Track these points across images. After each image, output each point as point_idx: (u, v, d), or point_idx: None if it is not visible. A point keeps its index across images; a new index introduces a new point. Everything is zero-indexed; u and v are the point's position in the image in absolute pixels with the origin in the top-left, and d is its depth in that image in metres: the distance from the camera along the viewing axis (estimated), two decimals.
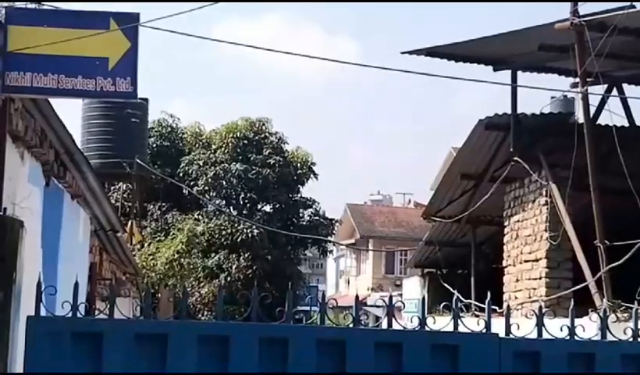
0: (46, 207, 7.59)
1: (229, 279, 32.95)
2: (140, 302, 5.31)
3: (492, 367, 5.13)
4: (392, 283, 44.49)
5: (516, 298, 15.09)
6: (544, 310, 5.52)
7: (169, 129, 36.86)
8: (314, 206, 38.38)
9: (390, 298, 5.38)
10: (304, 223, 37.63)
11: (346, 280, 58.16)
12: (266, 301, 5.18)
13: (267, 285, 28.84)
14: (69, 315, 4.84)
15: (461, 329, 5.23)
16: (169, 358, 4.84)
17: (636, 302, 5.60)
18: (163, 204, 32.20)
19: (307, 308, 33.06)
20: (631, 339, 5.38)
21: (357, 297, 5.57)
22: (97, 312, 5.10)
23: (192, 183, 34.48)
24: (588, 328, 5.47)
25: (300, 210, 38.07)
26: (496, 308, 5.87)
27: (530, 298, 14.37)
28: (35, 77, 5.66)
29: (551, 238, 13.89)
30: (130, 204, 27.11)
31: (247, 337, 4.94)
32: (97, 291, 11.61)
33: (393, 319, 5.25)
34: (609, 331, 5.45)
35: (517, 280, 15.29)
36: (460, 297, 16.13)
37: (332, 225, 39.79)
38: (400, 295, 22.76)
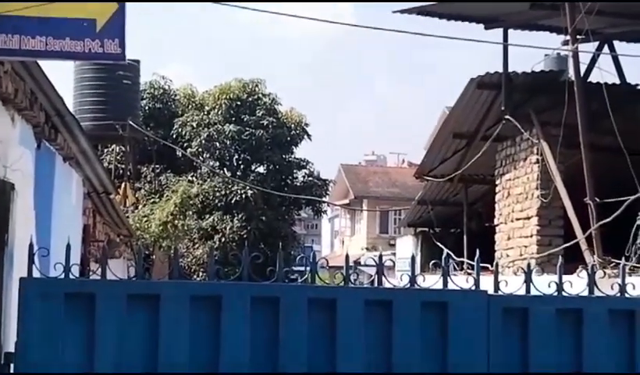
0: (38, 169, 7.61)
1: (223, 240, 33.04)
2: (133, 263, 5.34)
3: (480, 324, 5.18)
4: (387, 242, 44.61)
5: (507, 255, 15.17)
6: (532, 267, 5.58)
7: (162, 91, 36.70)
8: (307, 167, 38.38)
9: (380, 256, 5.42)
10: (298, 184, 37.65)
11: (341, 240, 58.34)
12: (257, 260, 5.21)
13: (261, 246, 28.95)
14: (62, 276, 4.88)
15: (451, 286, 5.28)
16: (162, 319, 4.87)
17: (623, 258, 5.65)
18: (157, 166, 32.19)
19: (302, 268, 33.04)
20: (618, 294, 5.44)
21: (347, 256, 5.59)
22: (91, 273, 5.13)
23: (185, 144, 34.43)
24: (577, 284, 5.52)
25: (294, 171, 38.07)
26: (488, 266, 5.92)
27: (521, 255, 14.46)
28: (23, 40, 5.64)
29: (542, 196, 13.95)
30: (124, 166, 27.12)
31: (238, 297, 4.98)
32: (91, 253, 11.67)
33: (384, 278, 5.30)
34: (597, 287, 5.50)
35: (509, 238, 15.38)
36: (453, 255, 16.29)
37: (326, 185, 39.82)
38: (394, 255, 22.88)
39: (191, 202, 26.91)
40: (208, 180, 34.44)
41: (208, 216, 33.70)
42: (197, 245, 32.10)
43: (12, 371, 4.77)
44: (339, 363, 5.00)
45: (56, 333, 4.77)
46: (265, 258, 5.43)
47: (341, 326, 5.04)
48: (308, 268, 5.30)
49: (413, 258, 5.68)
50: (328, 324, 5.05)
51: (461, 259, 16.21)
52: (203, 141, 34.96)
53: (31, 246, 4.91)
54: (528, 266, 5.57)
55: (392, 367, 5.05)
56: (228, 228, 33.60)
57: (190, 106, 36.64)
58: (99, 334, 4.81)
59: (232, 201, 33.92)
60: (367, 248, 48.04)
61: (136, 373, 4.84)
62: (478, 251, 5.54)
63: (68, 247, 4.86)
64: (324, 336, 5.04)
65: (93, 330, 4.81)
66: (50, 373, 4.72)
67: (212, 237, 33.11)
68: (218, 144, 35.39)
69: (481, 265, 5.38)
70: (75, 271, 4.93)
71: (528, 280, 5.41)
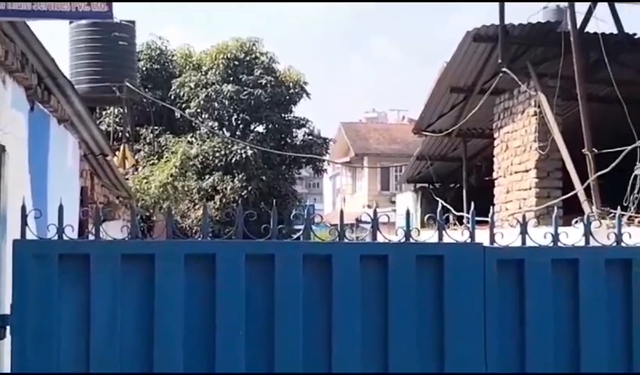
0: (32, 132, 7.57)
1: (224, 200, 33.07)
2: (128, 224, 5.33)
3: (476, 276, 5.17)
4: (388, 199, 44.67)
5: (507, 209, 15.17)
6: (527, 219, 5.57)
7: (159, 51, 36.54)
8: (307, 126, 38.30)
9: (375, 211, 5.40)
10: (298, 143, 37.62)
11: (343, 198, 58.40)
12: (252, 218, 5.20)
13: (262, 205, 28.98)
14: (55, 237, 4.87)
15: (446, 240, 5.27)
16: (157, 278, 4.87)
17: (619, 208, 5.62)
18: (155, 127, 32.12)
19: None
20: (614, 244, 5.43)
21: (341, 211, 5.59)
22: (90, 235, 5.10)
23: (184, 105, 34.34)
24: (573, 235, 5.51)
25: (294, 130, 38.00)
26: (488, 219, 5.90)
27: (520, 208, 14.45)
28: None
29: (540, 148, 13.92)
30: (122, 128, 27.05)
31: (233, 255, 4.97)
32: (89, 215, 11.63)
33: (379, 233, 5.29)
34: (593, 237, 5.49)
35: (508, 192, 15.37)
36: (452, 210, 16.30)
37: (327, 144, 39.77)
38: (394, 211, 22.89)
39: (191, 163, 26.88)
40: (208, 140, 34.39)
41: (207, 176, 33.70)
42: (197, 206, 32.14)
43: (8, 333, 4.77)
44: (334, 319, 5.00)
45: (51, 294, 4.77)
46: (266, 217, 5.40)
47: (336, 282, 5.03)
48: (314, 227, 5.29)
49: (408, 213, 5.67)
50: (324, 280, 5.04)
51: (460, 214, 16.20)
52: (201, 102, 34.87)
53: (24, 208, 4.90)
54: (524, 217, 5.55)
55: (389, 321, 5.05)
56: (228, 188, 33.61)
57: (188, 67, 36.49)
58: (94, 295, 4.81)
59: (232, 162, 33.91)
60: (368, 206, 48.08)
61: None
62: (473, 203, 5.53)
63: (60, 208, 4.84)
64: (320, 292, 5.04)
65: (88, 290, 4.81)
66: (45, 334, 4.73)
67: (213, 198, 33.14)
68: (216, 104, 35.30)
69: (481, 219, 5.36)
70: (69, 232, 4.92)
71: (524, 232, 5.40)
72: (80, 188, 10.95)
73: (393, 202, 35.01)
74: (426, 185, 22.01)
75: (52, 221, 4.89)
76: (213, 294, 4.92)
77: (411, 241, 5.34)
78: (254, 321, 4.95)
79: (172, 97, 34.57)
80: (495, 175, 16.21)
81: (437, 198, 19.01)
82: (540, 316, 5.19)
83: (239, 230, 5.14)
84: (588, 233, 5.41)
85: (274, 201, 6.10)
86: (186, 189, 25.07)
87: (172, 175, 22.98)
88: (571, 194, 12.70)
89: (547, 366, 5.16)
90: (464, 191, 18.54)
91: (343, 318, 5.01)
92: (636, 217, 10.13)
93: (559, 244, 5.35)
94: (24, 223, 4.89)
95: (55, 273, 4.79)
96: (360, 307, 5.04)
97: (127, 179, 19.22)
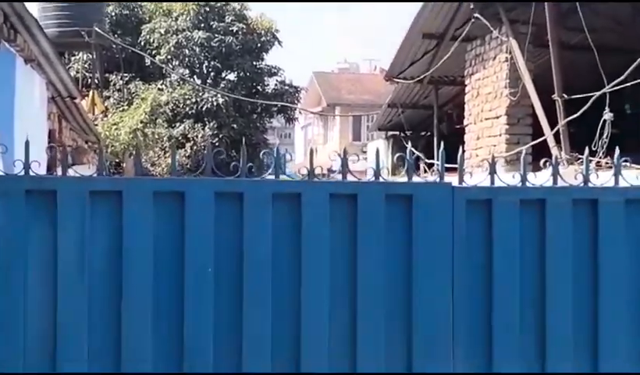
0: None
1: (194, 148, 32.91)
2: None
3: (445, 215, 5.19)
4: (360, 149, 44.51)
5: (477, 155, 15.21)
6: (496, 159, 5.59)
7: None
8: (279, 74, 38.06)
9: (344, 151, 5.40)
10: (270, 92, 37.39)
11: (315, 148, 58.19)
12: (220, 156, 5.18)
13: (233, 153, 28.87)
14: (22, 173, 4.81)
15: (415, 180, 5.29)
16: (125, 215, 4.83)
17: (587, 149, 5.64)
18: (125, 74, 31.74)
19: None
20: (582, 184, 5.46)
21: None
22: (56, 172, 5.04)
23: (154, 52, 33.96)
24: (541, 177, 5.53)
25: (265, 78, 37.73)
26: (457, 166, 5.91)
27: (490, 154, 14.48)
28: None
29: (511, 95, 13.93)
30: (92, 75, 26.74)
31: (201, 192, 4.93)
32: (57, 158, 11.53)
33: (349, 173, 5.30)
34: (561, 177, 5.52)
35: (478, 138, 15.40)
36: (423, 157, 16.30)
37: (298, 93, 39.54)
38: (365, 160, 22.91)
39: (161, 110, 26.64)
40: (178, 87, 34.09)
41: (178, 124, 33.47)
42: (167, 154, 31.91)
43: None
44: (304, 258, 5.01)
45: (17, 231, 4.73)
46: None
47: (306, 221, 5.02)
48: (283, 176, 5.27)
49: (377, 152, 5.67)
50: (294, 220, 5.03)
51: (431, 161, 16.25)
52: (172, 49, 34.49)
53: None
54: (493, 157, 5.57)
55: (358, 260, 5.07)
56: (199, 136, 33.40)
57: (158, 12, 36.01)
58: (61, 232, 4.76)
59: (203, 109, 33.68)
60: (338, 155, 47.97)
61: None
62: (442, 144, 5.53)
63: (27, 143, 4.78)
64: (289, 231, 5.03)
65: (55, 227, 4.77)
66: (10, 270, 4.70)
67: (183, 146, 32.94)
68: (187, 51, 34.93)
69: (451, 166, 5.37)
70: (36, 168, 4.86)
71: (492, 172, 5.42)
72: (47, 130, 10.84)
73: (365, 152, 35.03)
74: (397, 133, 22.02)
75: (19, 158, 4.83)
76: (182, 232, 4.90)
77: (381, 180, 5.36)
78: (223, 259, 4.94)
79: (142, 43, 34.17)
80: (465, 122, 16.23)
81: (408, 146, 19.08)
82: (507, 256, 5.23)
83: (207, 168, 5.12)
84: (555, 173, 5.44)
85: (244, 143, 6.06)
86: (156, 136, 24.87)
87: (142, 122, 22.76)
88: (541, 139, 12.75)
89: (513, 303, 5.21)
90: (435, 139, 18.57)
91: (312, 257, 5.02)
92: (605, 163, 10.19)
93: (527, 184, 5.38)
94: None
95: (22, 209, 4.74)
96: (330, 246, 5.05)
97: (96, 125, 19.04)
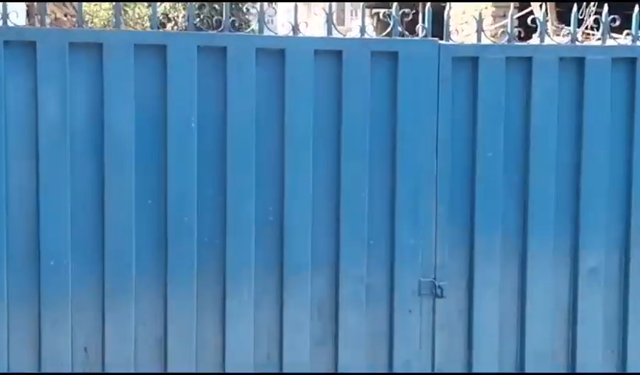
0: None
1: (175, 28, 32.43)
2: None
3: (430, 72, 5.14)
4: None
5: (462, 30, 15.04)
6: (483, 16, 5.51)
7: None
8: None
9: (330, 5, 5.31)
10: None
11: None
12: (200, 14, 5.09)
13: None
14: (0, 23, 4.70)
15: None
16: (105, 68, 4.74)
17: (575, 7, 5.56)
18: None
19: None
20: (569, 43, 5.41)
21: (296, 6, 5.44)
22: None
23: None
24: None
25: None
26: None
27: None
28: None
29: None
30: None
31: (184, 46, 4.85)
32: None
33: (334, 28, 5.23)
34: (549, 35, 5.47)
35: (464, 12, 15.20)
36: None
37: None
38: None
39: None
40: None
41: (159, 3, 32.91)
42: None
43: None
44: (288, 113, 4.97)
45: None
46: None
47: (290, 77, 4.96)
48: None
49: (363, 8, 5.57)
50: (278, 75, 4.98)
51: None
52: None
53: None
54: (480, 15, 5.50)
55: (342, 118, 5.03)
56: (180, 16, 32.89)
57: None
58: (41, 84, 4.68)
59: None
60: (324, 10, 47.33)
61: None
62: (428, 5, 5.45)
63: None
64: (273, 88, 4.97)
65: (35, 80, 4.68)
66: None
67: (164, 26, 32.44)
68: None
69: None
70: (14, 19, 4.75)
71: (479, 30, 5.37)
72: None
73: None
74: (382, 10, 21.69)
75: None
76: (165, 87, 4.84)
77: (366, 36, 5.30)
78: (207, 115, 4.90)
79: None
80: None
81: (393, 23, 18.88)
82: (493, 114, 5.21)
83: (190, 23, 5.05)
84: (543, 32, 5.39)
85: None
86: (137, 15, 24.42)
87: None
88: (526, 11, 12.59)
89: (497, 156, 5.20)
90: (420, 16, 18.31)
91: (296, 112, 4.98)
92: (592, 35, 10.08)
93: (514, 41, 5.34)
94: None
95: (1, 60, 4.64)
96: (314, 103, 5.01)
97: None
